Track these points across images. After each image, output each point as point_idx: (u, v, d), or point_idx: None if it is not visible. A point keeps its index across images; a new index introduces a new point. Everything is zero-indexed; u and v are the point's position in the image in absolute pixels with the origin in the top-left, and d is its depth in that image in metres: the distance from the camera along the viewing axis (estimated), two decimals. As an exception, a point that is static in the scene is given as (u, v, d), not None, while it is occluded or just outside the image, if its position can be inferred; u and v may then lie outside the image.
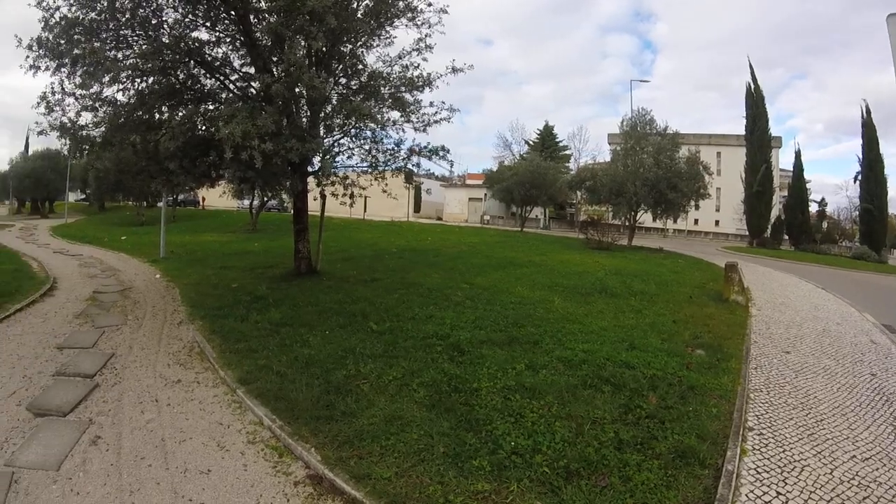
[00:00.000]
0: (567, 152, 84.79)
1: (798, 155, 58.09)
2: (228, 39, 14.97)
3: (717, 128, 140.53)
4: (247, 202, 46.57)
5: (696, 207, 38.86)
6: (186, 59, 14.04)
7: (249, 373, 8.63)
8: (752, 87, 54.85)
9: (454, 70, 14.86)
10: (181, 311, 13.43)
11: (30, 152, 75.01)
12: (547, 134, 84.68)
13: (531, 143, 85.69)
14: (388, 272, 17.69)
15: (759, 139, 53.99)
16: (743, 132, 56.48)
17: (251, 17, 13.80)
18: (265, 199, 41.42)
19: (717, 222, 68.25)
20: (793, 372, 9.61)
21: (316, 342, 9.93)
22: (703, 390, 8.06)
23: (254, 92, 14.93)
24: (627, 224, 38.37)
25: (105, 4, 12.44)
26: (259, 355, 9.41)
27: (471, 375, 8.12)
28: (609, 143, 63.79)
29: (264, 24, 13.27)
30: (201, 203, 70.80)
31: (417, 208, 75.36)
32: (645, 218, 39.57)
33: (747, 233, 56.50)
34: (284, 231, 33.49)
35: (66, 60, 12.52)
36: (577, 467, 5.70)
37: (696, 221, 64.43)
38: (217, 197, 44.61)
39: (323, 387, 7.85)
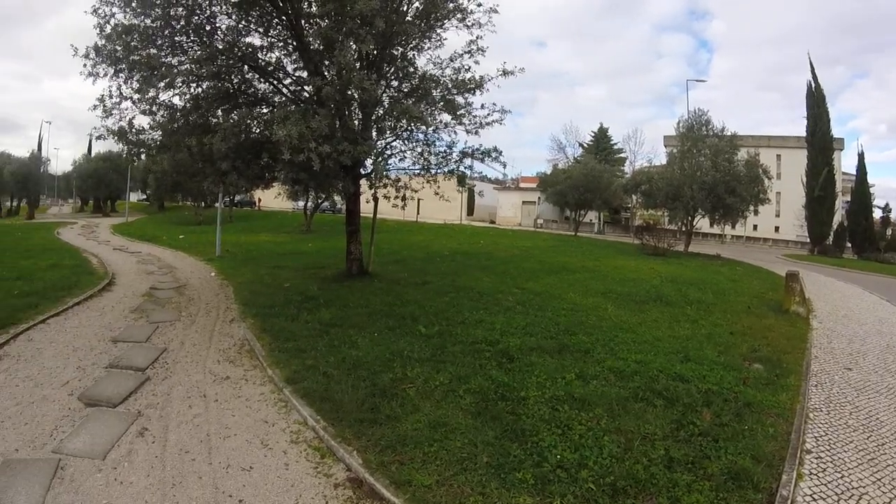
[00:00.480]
0: (622, 155, 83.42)
1: (861, 157, 55.17)
2: (281, 44, 15.20)
3: (777, 129, 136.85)
4: (301, 203, 47.11)
5: (756, 213, 37.51)
6: (240, 64, 14.31)
7: (297, 372, 8.66)
8: (813, 86, 52.59)
9: (505, 73, 14.77)
10: (234, 309, 13.62)
11: (92, 154, 78.20)
12: (601, 136, 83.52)
13: (585, 145, 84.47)
14: (440, 275, 17.64)
15: (820, 141, 51.69)
16: (803, 134, 54.33)
17: (302, 21, 13.91)
18: (319, 200, 41.82)
19: (776, 228, 65.56)
20: (854, 391, 9.14)
21: (364, 344, 9.91)
22: (759, 408, 7.70)
23: (307, 95, 15.05)
24: (684, 229, 37.52)
25: (160, 12, 12.80)
26: (307, 355, 9.43)
27: (519, 383, 7.97)
28: (665, 146, 62.36)
29: (315, 28, 13.35)
30: (257, 204, 72.23)
31: (471, 211, 75.20)
32: (702, 223, 38.63)
33: (808, 240, 54.29)
34: (338, 232, 33.74)
35: (123, 66, 12.91)
36: (623, 485, 5.50)
37: (754, 227, 62.38)
38: (272, 198, 45.31)
39: (369, 389, 7.81)
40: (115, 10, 13.04)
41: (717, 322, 13.07)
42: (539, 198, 66.91)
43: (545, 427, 6.59)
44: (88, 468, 5.98)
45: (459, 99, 14.83)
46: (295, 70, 15.72)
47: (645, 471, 5.74)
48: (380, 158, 14.36)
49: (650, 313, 13.49)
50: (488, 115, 15.22)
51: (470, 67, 15.22)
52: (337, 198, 33.83)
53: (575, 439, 6.31)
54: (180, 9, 13.16)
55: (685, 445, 6.36)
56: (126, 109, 14.02)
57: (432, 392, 7.75)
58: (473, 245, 30.32)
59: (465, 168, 15.84)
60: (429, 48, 15.76)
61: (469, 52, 15.36)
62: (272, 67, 15.30)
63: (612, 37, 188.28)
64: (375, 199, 15.21)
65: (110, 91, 13.54)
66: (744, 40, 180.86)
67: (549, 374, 8.36)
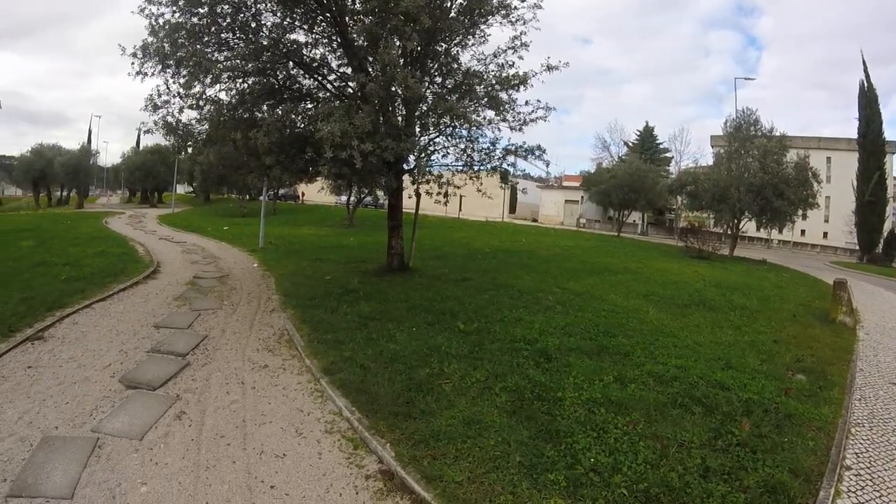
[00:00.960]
0: (667, 155, 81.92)
1: (915, 162, 53.37)
2: (325, 41, 15.29)
3: (827, 130, 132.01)
4: (344, 198, 47.35)
5: (804, 217, 35.97)
6: (285, 60, 14.47)
7: (334, 363, 8.73)
8: (866, 85, 50.23)
9: (549, 68, 14.53)
10: (274, 300, 13.82)
11: (140, 147, 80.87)
12: (647, 135, 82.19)
13: (630, 144, 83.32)
14: (480, 272, 17.59)
15: (871, 143, 49.31)
16: (854, 136, 51.98)
17: (346, 18, 13.99)
18: (361, 195, 42.04)
19: (825, 234, 62.96)
20: (900, 407, 8.88)
21: (402, 338, 9.92)
22: (800, 420, 7.46)
23: (351, 91, 15.14)
24: (729, 232, 36.69)
25: (206, 10, 13.08)
26: (345, 347, 9.49)
27: (556, 384, 7.88)
28: (712, 146, 60.55)
29: (358, 24, 13.41)
30: (301, 198, 73.00)
31: (513, 209, 74.95)
32: (748, 227, 37.65)
33: (857, 247, 52.12)
34: (379, 227, 33.87)
35: (171, 63, 13.18)
36: (657, 492, 5.39)
37: (802, 232, 60.19)
38: (316, 192, 45.68)
39: (405, 383, 7.82)
40: (162, 9, 13.35)
41: (761, 329, 12.77)
42: (582, 197, 66.49)
43: (580, 429, 6.50)
44: (125, 448, 6.14)
45: (503, 95, 14.69)
46: (339, 66, 15.84)
47: (679, 479, 5.62)
48: (422, 154, 14.32)
49: (692, 318, 13.24)
50: (532, 111, 15.05)
51: (514, 63, 15.16)
52: (380, 193, 33.99)
53: (610, 443, 6.21)
54: (226, 6, 13.43)
55: (722, 455, 6.20)
56: (174, 104, 14.46)
57: (468, 389, 7.72)
58: (515, 243, 30.16)
59: (508, 165, 15.72)
60: (472, 44, 15.71)
61: (512, 47, 15.27)
62: (316, 63, 15.43)
63: (659, 33, 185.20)
64: (418, 195, 15.20)
65: (158, 89, 14.02)
66: (793, 37, 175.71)
67: (586, 376, 8.24)
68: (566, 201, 74.16)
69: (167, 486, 5.47)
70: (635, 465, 5.80)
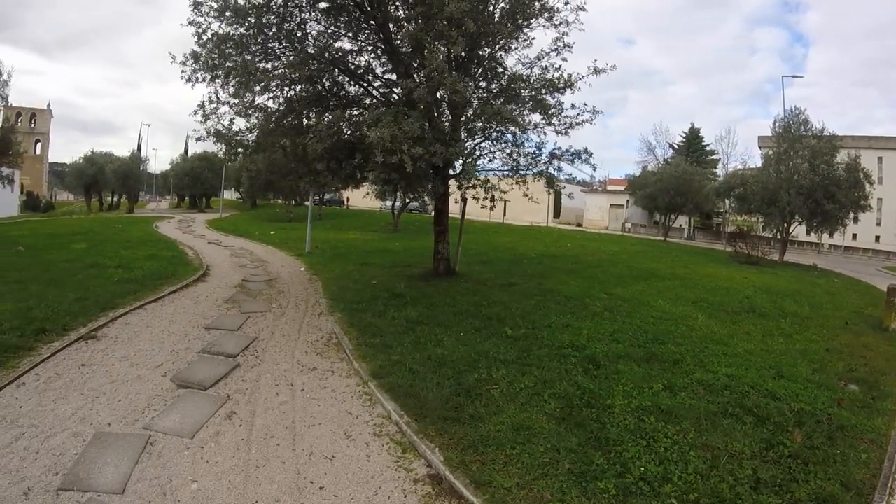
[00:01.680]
0: (714, 157, 79.09)
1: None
2: (370, 48, 15.37)
3: (878, 129, 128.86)
4: (389, 203, 47.51)
5: (855, 220, 34.49)
6: (331, 68, 14.57)
7: (382, 367, 8.76)
8: None
9: (596, 71, 14.34)
10: (322, 303, 13.93)
11: (189, 154, 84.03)
12: (693, 137, 79.87)
13: (676, 146, 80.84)
14: (526, 277, 17.44)
15: None
16: None
17: (390, 25, 14.08)
18: (406, 200, 42.15)
19: (877, 238, 59.48)
20: (956, 421, 8.55)
21: (450, 343, 9.90)
22: (853, 431, 7.20)
23: (396, 97, 15.21)
24: (779, 237, 35.63)
25: (253, 20, 13.26)
26: (393, 351, 9.52)
27: (605, 391, 7.76)
28: (760, 147, 58.69)
29: (403, 31, 13.47)
30: (346, 203, 73.54)
31: (557, 213, 74.28)
32: (797, 231, 36.40)
33: None
34: (424, 232, 33.93)
35: (220, 73, 13.47)
36: (707, 503, 5.31)
37: (854, 236, 56.89)
38: (361, 197, 45.95)
39: (453, 388, 7.80)
40: (209, 19, 13.62)
41: (813, 338, 12.39)
42: (627, 201, 65.48)
43: (630, 437, 6.39)
44: (177, 446, 6.26)
45: (550, 99, 14.59)
46: (384, 73, 15.94)
47: (730, 490, 5.48)
48: (469, 159, 14.27)
49: (742, 325, 12.94)
50: (578, 114, 14.90)
51: (560, 66, 14.97)
52: (427, 198, 33.98)
53: (660, 452, 6.09)
54: (272, 17, 13.60)
55: (773, 467, 6.03)
56: (224, 112, 14.75)
57: (517, 395, 7.65)
58: (560, 248, 29.89)
59: (554, 170, 15.56)
60: (515, 48, 15.57)
61: (555, 49, 15.11)
62: (361, 70, 15.54)
63: (703, 32, 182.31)
64: (464, 200, 15.17)
65: (210, 97, 14.30)
66: (840, 32, 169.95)
67: (635, 384, 8.09)
68: (611, 205, 72.90)
69: (217, 484, 5.54)
70: (685, 475, 5.68)
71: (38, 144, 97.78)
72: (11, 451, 6.08)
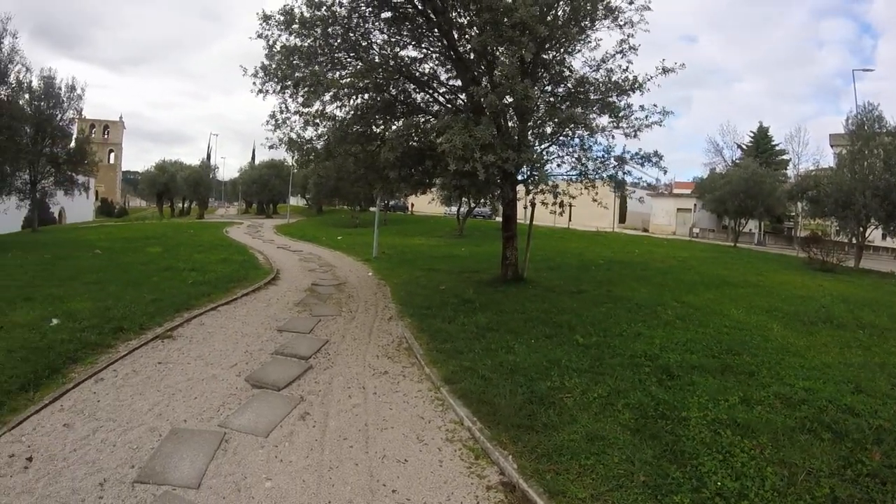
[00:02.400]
0: (784, 157, 75.21)
1: None
2: (436, 55, 15.45)
3: None
4: (454, 208, 47.52)
5: None
6: (397, 76, 14.67)
7: (454, 373, 8.71)
8: None
9: (665, 70, 14.05)
10: (391, 308, 14.02)
11: (256, 162, 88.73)
12: (761, 136, 76.33)
13: (744, 147, 77.24)
14: (595, 284, 17.17)
15: None
16: None
17: (454, 33, 14.09)
18: (472, 206, 42.09)
19: None
20: None
21: (521, 350, 9.78)
22: None
23: (461, 104, 15.28)
24: (854, 242, 33.74)
25: (319, 32, 13.53)
26: (464, 357, 9.47)
27: (680, 402, 7.51)
28: (832, 146, 55.33)
29: (467, 37, 13.52)
30: (410, 208, 74.02)
31: (623, 218, 72.76)
32: (873, 235, 34.38)
33: None
34: (489, 237, 33.86)
35: (289, 83, 13.80)
36: (784, 522, 5.05)
37: None
38: (426, 203, 46.11)
39: (526, 395, 7.68)
40: (276, 32, 13.98)
41: (892, 350, 11.71)
42: (695, 205, 63.79)
43: (706, 451, 6.15)
44: (251, 444, 6.36)
45: (620, 101, 14.32)
46: (448, 79, 16.00)
47: (807, 509, 5.24)
48: (537, 164, 14.09)
49: (819, 336, 12.41)
50: (647, 116, 14.51)
51: (627, 67, 14.63)
52: (498, 205, 33.70)
53: (736, 467, 5.85)
54: (337, 28, 13.81)
55: (851, 486, 5.70)
56: (294, 121, 15.16)
57: (590, 404, 7.48)
58: (628, 254, 29.29)
59: (623, 174, 15.28)
60: (580, 50, 15.28)
61: (620, 51, 14.79)
62: (426, 78, 15.64)
63: (767, 25, 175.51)
64: (532, 205, 14.98)
65: (281, 106, 14.74)
66: None
67: (711, 396, 7.80)
68: (678, 210, 70.59)
69: (291, 483, 5.58)
70: (762, 491, 5.44)
71: (112, 154, 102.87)
72: (88, 443, 6.31)
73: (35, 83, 33.18)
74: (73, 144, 38.34)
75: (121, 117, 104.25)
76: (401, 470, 5.89)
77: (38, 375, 8.09)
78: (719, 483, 5.50)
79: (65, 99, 35.08)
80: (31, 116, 32.19)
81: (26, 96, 32.34)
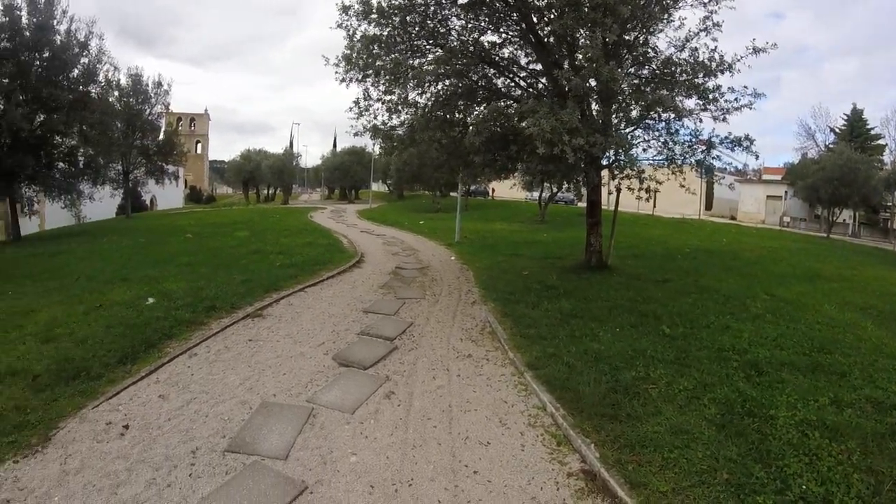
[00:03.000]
0: (880, 142, 70.60)
1: None
2: (518, 39, 15.25)
3: None
4: (535, 194, 47.10)
5: None
6: (477, 62, 14.60)
7: (538, 358, 8.68)
8: None
9: (755, 50, 13.41)
10: (474, 292, 14.08)
11: (337, 149, 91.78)
12: (855, 119, 71.03)
13: (837, 130, 72.37)
14: (681, 273, 16.75)
15: None
16: None
17: (533, 16, 13.91)
18: (554, 191, 41.65)
19: None
20: None
21: (606, 338, 9.65)
22: None
23: (542, 87, 15.14)
24: None
25: (397, 21, 13.66)
26: (548, 343, 9.41)
27: (767, 400, 7.23)
28: None
29: (546, 20, 13.33)
30: (491, 194, 73.88)
31: (709, 205, 69.95)
32: None
33: None
34: (571, 223, 33.46)
35: (370, 72, 14.03)
36: (867, 532, 4.84)
37: None
38: (508, 188, 45.91)
39: (610, 384, 7.58)
40: (355, 22, 14.19)
41: None
42: (786, 192, 60.84)
43: (792, 452, 5.92)
44: (338, 420, 6.57)
45: (709, 83, 13.76)
46: (528, 64, 15.84)
47: (892, 521, 5.00)
48: (624, 148, 13.74)
49: (917, 338, 11.86)
50: (737, 98, 13.92)
51: (715, 48, 13.93)
52: (583, 190, 33.16)
53: (822, 471, 5.59)
54: (415, 16, 13.90)
55: None
56: (377, 109, 15.38)
57: (675, 396, 7.31)
58: (715, 242, 28.27)
59: (712, 159, 14.79)
60: (662, 30, 14.78)
61: (705, 28, 14.13)
62: (506, 62, 15.53)
63: (858, 1, 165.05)
64: (618, 191, 14.59)
65: (363, 94, 15.02)
66: None
67: (800, 395, 7.45)
68: (768, 197, 66.60)
69: (375, 458, 5.73)
70: (847, 498, 5.19)
71: (199, 145, 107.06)
72: (182, 414, 6.68)
73: (123, 81, 36.05)
74: (161, 136, 41.27)
75: (206, 110, 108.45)
76: (482, 452, 5.94)
77: (135, 350, 8.62)
78: (804, 486, 5.30)
79: (152, 94, 37.91)
80: (122, 112, 34.82)
81: (116, 93, 34.91)
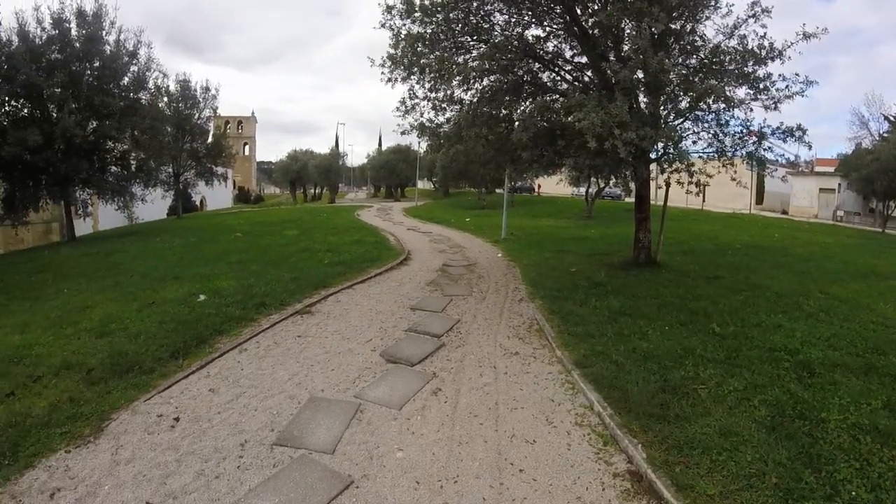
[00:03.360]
0: None
1: None
2: (560, 33, 15.09)
3: None
4: (582, 189, 46.63)
5: None
6: (522, 57, 14.44)
7: (586, 357, 8.60)
8: None
9: (805, 36, 12.89)
10: (522, 290, 14.00)
11: (382, 148, 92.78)
12: None
13: (892, 118, 69.33)
14: (731, 270, 16.33)
15: None
16: None
17: (577, 8, 13.73)
18: (601, 186, 41.21)
19: None
20: None
21: (655, 336, 9.50)
22: None
23: (588, 80, 14.98)
24: None
25: (440, 18, 13.68)
26: (596, 341, 9.31)
27: (819, 403, 6.97)
28: None
29: (591, 11, 13.16)
30: (536, 190, 73.64)
31: (759, 199, 68.04)
32: None
33: None
34: (618, 219, 33.11)
35: (415, 70, 14.10)
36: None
37: None
38: (553, 184, 45.57)
39: (659, 384, 7.45)
40: (400, 21, 14.26)
41: None
42: (839, 184, 58.35)
43: (843, 457, 5.71)
44: (385, 415, 6.63)
45: (759, 71, 13.36)
46: (573, 57, 15.65)
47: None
48: (673, 141, 13.42)
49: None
50: (787, 86, 13.40)
51: (765, 35, 13.41)
52: (630, 184, 32.68)
53: (873, 478, 5.38)
54: (458, 12, 13.86)
55: None
56: (423, 107, 15.40)
57: (725, 397, 7.13)
58: (766, 238, 27.45)
59: (764, 150, 14.23)
60: (708, 17, 14.21)
61: (753, 15, 13.56)
62: (550, 56, 15.38)
63: None
64: (667, 185, 14.29)
65: (409, 93, 15.08)
66: None
67: (853, 398, 7.16)
68: (820, 190, 63.79)
69: (421, 455, 5.77)
70: None
71: (246, 146, 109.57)
72: (232, 407, 6.84)
73: (172, 87, 37.26)
74: (210, 139, 42.54)
75: (252, 113, 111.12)
76: (528, 450, 5.92)
77: (186, 345, 8.88)
78: (853, 493, 5.12)
79: (200, 99, 39.12)
80: (172, 117, 36.08)
81: (165, 99, 36.26)
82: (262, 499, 4.95)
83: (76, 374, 7.60)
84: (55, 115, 22.20)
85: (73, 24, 23.00)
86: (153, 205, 34.26)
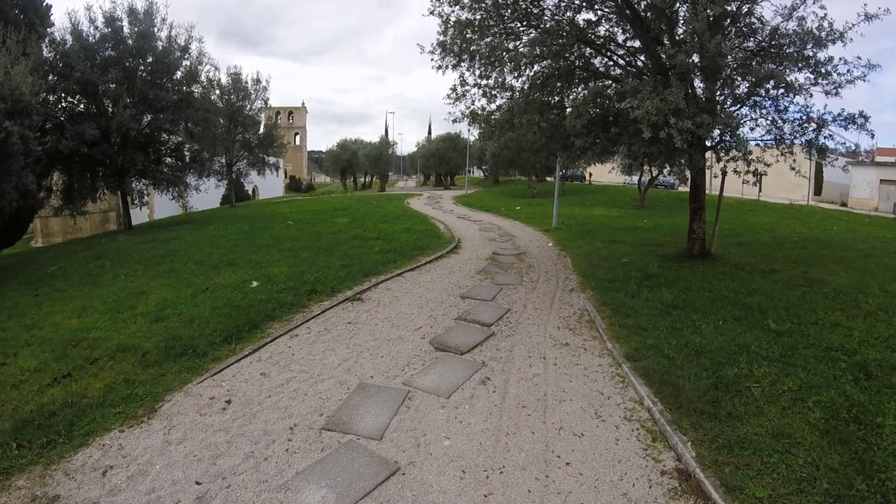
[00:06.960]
0: None
1: None
2: (613, 16, 14.75)
3: None
4: (634, 178, 45.95)
5: None
6: (574, 42, 14.16)
7: (637, 350, 8.49)
8: None
9: (867, 17, 12.21)
10: (572, 280, 13.91)
11: (432, 136, 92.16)
12: None
13: None
14: (789, 264, 15.78)
15: None
16: None
17: None
18: (654, 175, 40.55)
19: None
20: None
21: (708, 331, 9.28)
22: None
23: (641, 65, 14.67)
24: None
25: (489, 3, 13.56)
26: (648, 334, 9.17)
27: (875, 406, 6.65)
28: None
29: None
30: (588, 178, 72.87)
31: (818, 190, 65.94)
32: None
33: None
34: (673, 209, 32.53)
35: (465, 57, 14.09)
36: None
37: None
38: (605, 172, 44.98)
39: (711, 381, 7.27)
40: (448, 8, 14.20)
41: None
42: None
43: None
44: (433, 403, 6.67)
45: (820, 54, 12.69)
46: (625, 41, 15.31)
47: None
48: (731, 128, 13.00)
49: None
50: (849, 70, 12.71)
51: (825, 15, 12.64)
52: (688, 173, 31.86)
53: None
54: None
55: None
56: (473, 94, 15.27)
57: (779, 397, 6.91)
58: (825, 231, 26.39)
59: (825, 138, 13.59)
60: None
61: None
62: (602, 41, 15.04)
63: None
64: (723, 175, 13.92)
65: (459, 80, 14.96)
66: None
67: None
68: (882, 181, 60.08)
69: (468, 444, 5.77)
70: None
71: (297, 136, 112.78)
72: (282, 391, 6.98)
73: (224, 80, 38.10)
74: (262, 130, 43.35)
75: (303, 103, 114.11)
76: (576, 443, 5.86)
77: (239, 330, 9.09)
78: None
79: (252, 91, 39.80)
80: (224, 109, 36.78)
81: (217, 92, 37.09)
82: (309, 482, 5.02)
83: (132, 356, 7.83)
84: (111, 109, 22.98)
85: (125, 22, 23.79)
86: (207, 194, 35.01)
